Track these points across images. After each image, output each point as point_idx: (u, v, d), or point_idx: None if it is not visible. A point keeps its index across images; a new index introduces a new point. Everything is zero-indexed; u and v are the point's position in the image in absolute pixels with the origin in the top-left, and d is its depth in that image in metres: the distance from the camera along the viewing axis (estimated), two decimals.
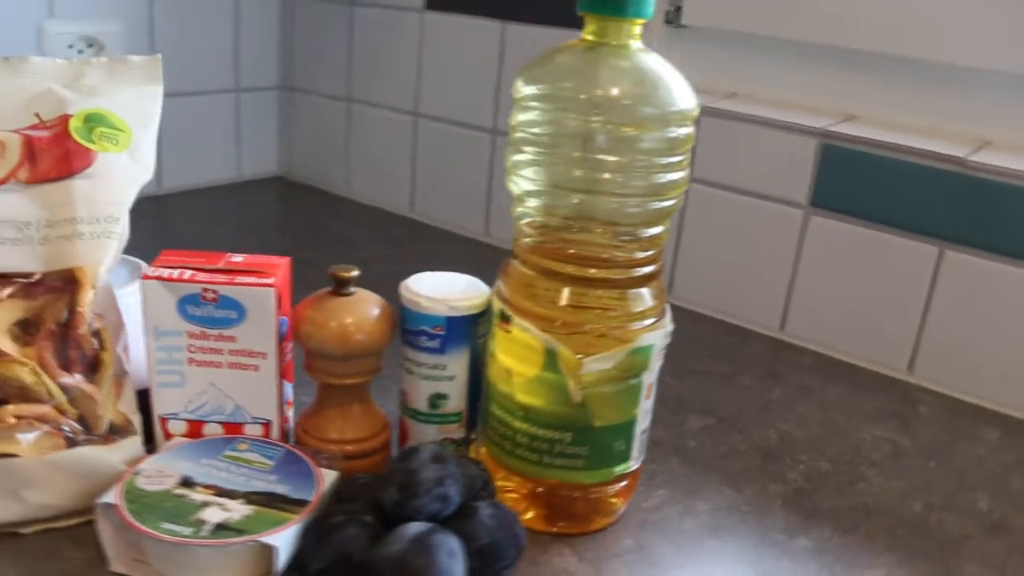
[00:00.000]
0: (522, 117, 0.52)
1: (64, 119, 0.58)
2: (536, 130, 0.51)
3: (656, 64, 0.51)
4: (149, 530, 0.49)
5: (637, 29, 0.51)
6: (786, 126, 0.82)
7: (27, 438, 0.52)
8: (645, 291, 0.54)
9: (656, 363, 0.55)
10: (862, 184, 0.80)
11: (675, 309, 0.90)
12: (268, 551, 0.50)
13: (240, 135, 1.20)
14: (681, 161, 0.52)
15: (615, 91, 0.50)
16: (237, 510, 0.51)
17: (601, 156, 0.50)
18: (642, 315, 0.54)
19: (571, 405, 0.53)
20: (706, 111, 0.85)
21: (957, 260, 0.77)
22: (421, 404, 0.59)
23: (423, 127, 1.10)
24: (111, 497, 0.51)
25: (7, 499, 0.52)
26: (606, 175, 0.50)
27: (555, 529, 0.57)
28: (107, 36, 1.02)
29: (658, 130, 0.50)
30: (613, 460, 0.56)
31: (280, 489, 0.53)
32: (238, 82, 1.17)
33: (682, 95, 0.51)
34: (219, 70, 1.15)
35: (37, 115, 0.58)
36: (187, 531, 0.49)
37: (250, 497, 0.52)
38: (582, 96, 0.50)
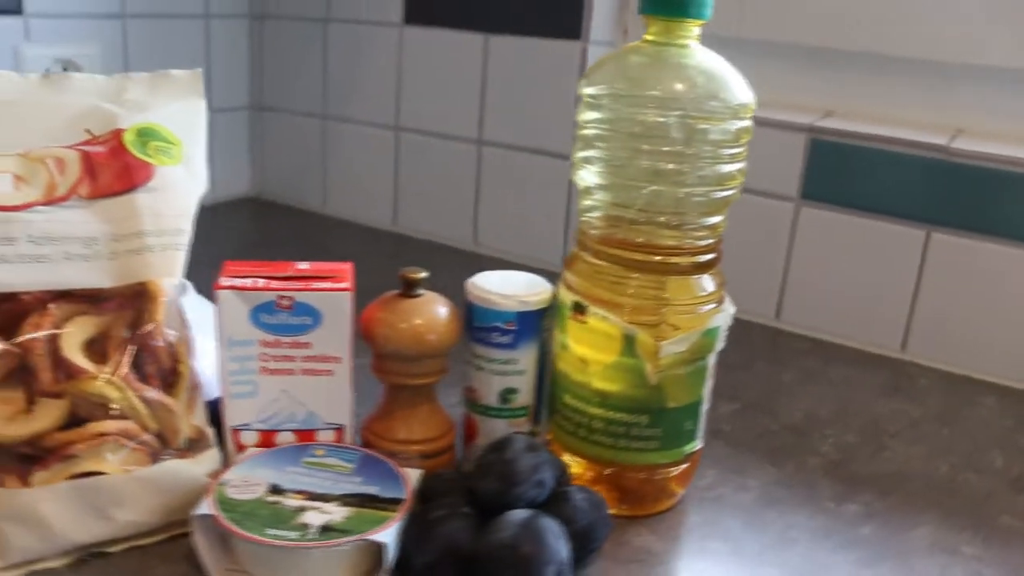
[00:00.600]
0: (592, 115, 0.54)
1: (117, 133, 0.57)
2: (607, 125, 0.54)
3: (717, 62, 0.55)
4: (258, 537, 0.49)
5: (696, 30, 0.54)
6: (776, 123, 0.87)
7: (115, 455, 0.52)
8: (707, 277, 0.57)
9: (720, 344, 0.58)
10: (850, 175, 0.85)
11: None
12: (372, 550, 0.50)
13: (211, 156, 1.18)
14: (741, 152, 0.56)
15: (688, 86, 0.53)
16: (336, 512, 0.51)
17: (672, 148, 0.53)
18: (707, 299, 0.57)
19: (648, 388, 0.56)
20: None
21: (943, 242, 0.82)
22: (492, 399, 0.60)
23: (405, 140, 1.11)
24: (206, 508, 0.51)
25: (94, 518, 0.51)
26: (675, 166, 0.53)
27: (623, 511, 0.59)
28: (83, 59, 0.99)
29: (724, 122, 0.54)
30: (683, 440, 0.58)
31: (370, 490, 0.53)
32: (209, 103, 1.15)
33: (742, 90, 0.54)
34: None
35: (88, 131, 0.58)
36: (294, 535, 0.49)
37: (343, 499, 0.52)
38: (657, 91, 0.52)
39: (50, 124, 0.58)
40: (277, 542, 0.48)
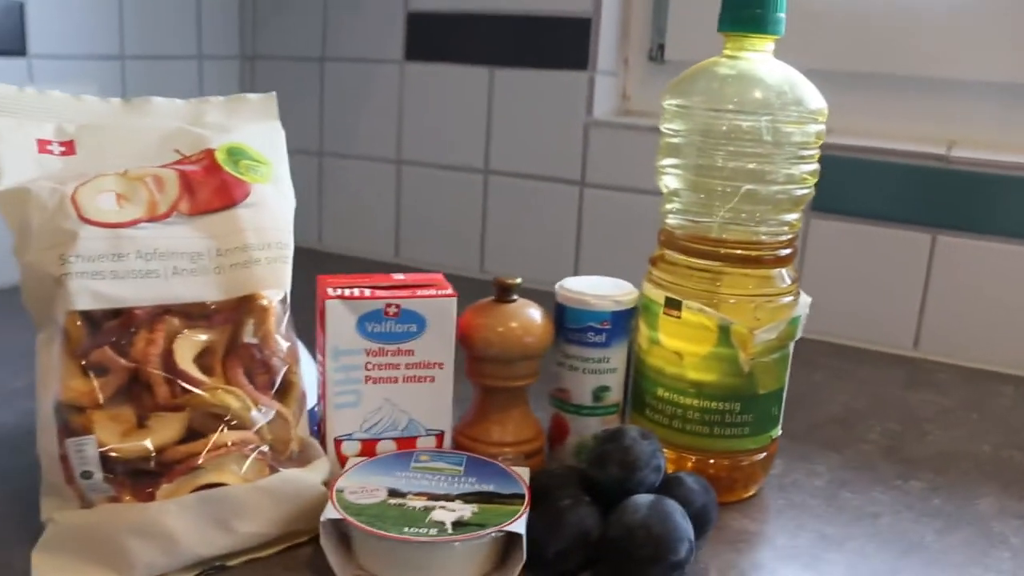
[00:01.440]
0: (680, 124, 0.58)
1: (208, 153, 0.58)
2: (696, 133, 0.57)
3: (792, 71, 0.59)
4: (399, 535, 0.49)
5: (770, 45, 0.58)
6: None
7: (239, 466, 0.51)
8: (786, 271, 0.60)
9: (799, 332, 0.61)
10: (855, 187, 0.90)
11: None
12: (502, 543, 0.51)
13: None
14: (816, 153, 0.59)
15: (773, 94, 0.56)
16: (463, 509, 0.52)
17: (763, 150, 0.56)
18: (787, 291, 0.60)
19: (741, 376, 0.58)
20: None
21: (948, 244, 0.88)
22: (585, 398, 0.62)
23: (407, 172, 1.12)
24: (334, 513, 0.51)
25: (217, 530, 0.51)
26: (765, 166, 0.57)
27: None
28: None
29: (805, 125, 0.57)
30: (770, 424, 0.61)
31: (487, 488, 0.54)
32: None
33: (816, 97, 0.58)
34: None
35: (177, 151, 0.58)
36: (433, 531, 0.49)
37: (465, 497, 0.53)
38: (747, 98, 0.56)
39: (140, 146, 0.58)
40: (420, 539, 0.49)
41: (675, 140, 0.59)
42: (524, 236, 1.07)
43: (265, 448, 0.53)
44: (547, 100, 1.02)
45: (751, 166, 0.56)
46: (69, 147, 0.56)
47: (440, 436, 0.60)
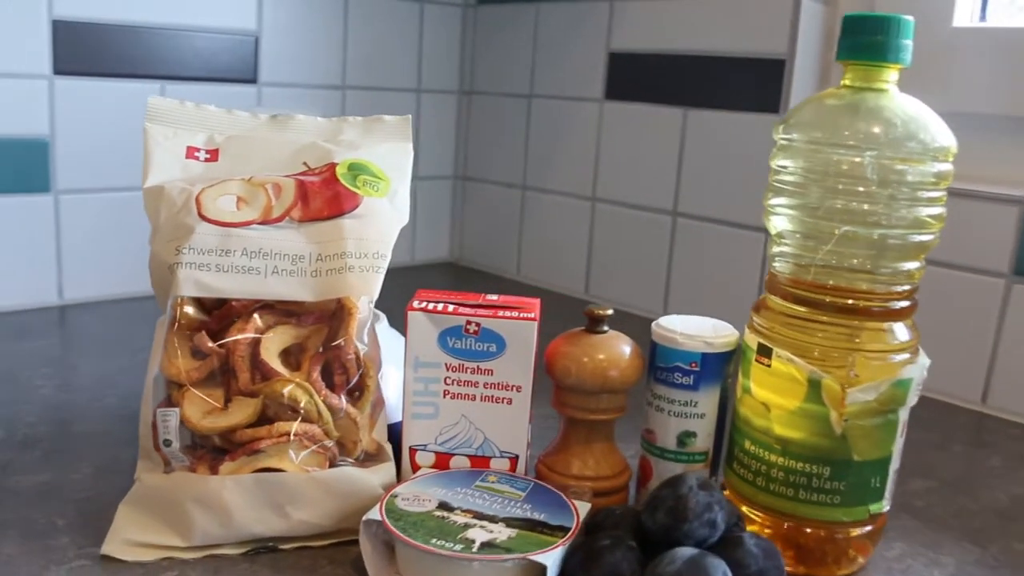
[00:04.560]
0: (786, 159, 0.54)
1: (331, 167, 0.62)
2: (801, 169, 0.53)
3: (916, 105, 0.53)
4: (421, 544, 0.49)
5: (893, 75, 0.53)
6: (984, 196, 0.83)
7: (299, 455, 0.55)
8: (901, 325, 0.54)
9: (913, 398, 0.55)
10: None
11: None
12: (534, 570, 0.50)
13: (415, 221, 1.26)
14: (941, 197, 0.53)
15: (884, 127, 0.52)
16: (501, 532, 0.51)
17: (866, 188, 0.51)
18: (900, 348, 0.54)
19: (832, 437, 0.53)
20: None
21: None
22: (669, 442, 0.59)
23: (600, 210, 1.13)
24: (375, 514, 0.52)
25: (273, 513, 0.54)
26: (869, 206, 0.52)
27: (800, 572, 0.56)
28: None
29: (923, 164, 0.52)
30: (869, 497, 0.55)
31: (538, 516, 0.53)
32: (416, 171, 1.24)
33: (942, 133, 0.53)
34: None
35: (305, 163, 0.63)
36: (458, 547, 0.50)
37: (509, 522, 0.52)
38: (851, 132, 0.52)
39: (275, 156, 0.63)
40: (439, 551, 0.49)
41: (779, 177, 0.55)
42: (708, 279, 1.04)
43: (329, 443, 0.56)
44: (738, 143, 0.99)
45: (855, 205, 0.52)
46: (214, 154, 0.63)
47: (514, 460, 0.59)
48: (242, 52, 1.04)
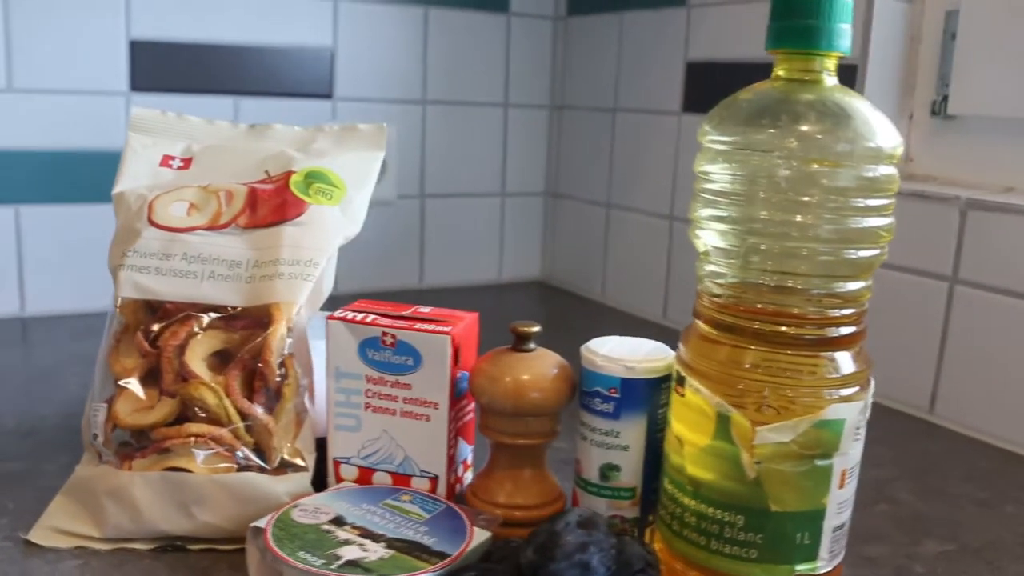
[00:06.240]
0: (708, 164, 0.49)
1: (287, 175, 0.62)
2: (722, 175, 0.47)
3: (852, 99, 0.46)
4: (284, 555, 0.48)
5: (831, 64, 0.47)
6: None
7: (201, 455, 0.55)
8: (842, 356, 0.47)
9: (851, 444, 0.47)
10: None
11: (934, 427, 0.79)
12: None
13: (503, 238, 1.24)
14: (881, 206, 0.46)
15: (803, 126, 0.45)
16: (375, 552, 0.49)
17: (787, 196, 0.45)
18: (838, 383, 0.47)
19: (744, 482, 0.47)
20: (977, 205, 0.75)
21: None
22: (592, 474, 0.54)
23: (678, 231, 1.07)
24: (263, 522, 0.52)
25: (178, 512, 0.54)
26: (795, 217, 0.45)
27: None
28: None
29: (852, 168, 0.45)
30: (794, 556, 0.48)
31: (426, 540, 0.51)
32: (503, 188, 1.22)
33: (881, 132, 0.45)
34: (485, 175, 1.21)
35: (267, 171, 0.64)
36: (318, 562, 0.48)
37: (392, 543, 0.50)
38: (768, 133, 0.45)
39: (243, 165, 0.65)
40: (298, 564, 0.48)
41: (700, 185, 0.49)
42: None
43: (242, 449, 0.55)
44: None
45: (770, 216, 0.45)
46: (187, 163, 0.65)
47: (434, 480, 0.57)
48: (317, 67, 1.07)
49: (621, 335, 0.57)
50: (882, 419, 0.82)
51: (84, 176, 0.99)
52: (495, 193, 1.22)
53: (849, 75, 0.85)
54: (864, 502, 0.65)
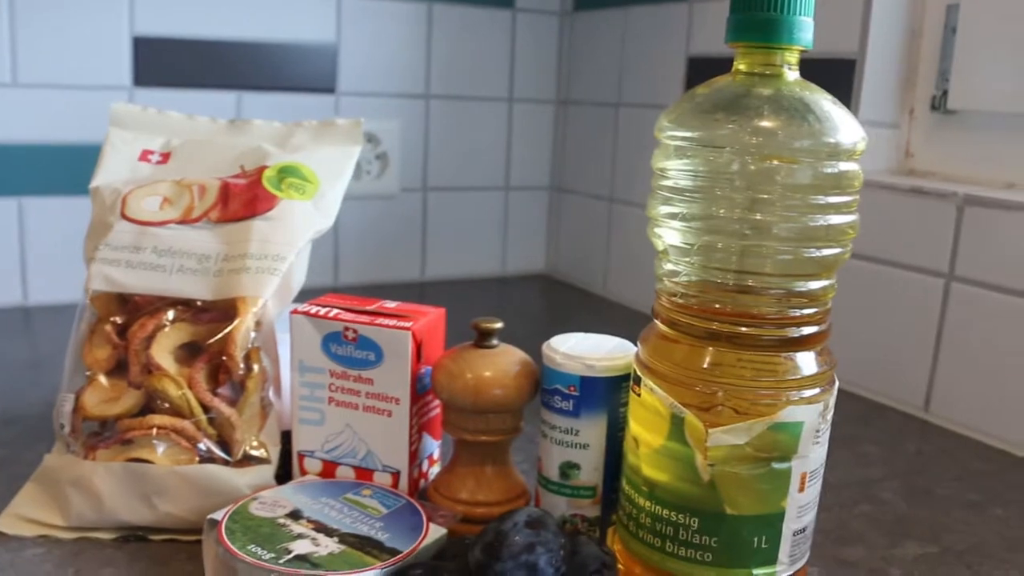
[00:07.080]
0: (664, 159, 0.47)
1: (261, 169, 0.62)
2: (680, 172, 0.46)
3: (813, 94, 0.45)
4: (233, 548, 0.48)
5: (792, 57, 0.46)
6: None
7: (161, 447, 0.55)
8: (803, 356, 0.46)
9: (811, 447, 0.46)
10: None
11: (928, 426, 0.77)
12: None
13: (507, 232, 1.24)
14: (842, 203, 0.45)
15: (760, 121, 0.44)
16: (326, 547, 0.49)
17: (745, 193, 0.44)
18: (797, 384, 0.45)
19: (699, 484, 0.46)
20: (974, 201, 0.73)
21: None
22: (552, 472, 0.54)
23: None
24: (219, 515, 0.52)
25: (140, 502, 0.54)
26: (754, 215, 0.44)
27: None
28: (384, 133, 1.11)
29: (810, 164, 0.44)
30: (751, 560, 0.46)
31: (380, 536, 0.50)
32: (508, 182, 1.22)
33: (843, 127, 0.44)
34: (489, 169, 1.21)
35: (242, 166, 0.64)
36: (267, 556, 0.48)
37: (345, 538, 0.50)
38: (726, 128, 0.44)
39: (220, 159, 0.65)
40: (247, 557, 0.47)
41: (658, 181, 0.48)
42: None
43: (205, 441, 0.55)
44: None
45: (728, 213, 0.44)
46: (165, 158, 0.65)
47: (396, 476, 0.56)
48: (320, 62, 1.07)
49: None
50: (875, 417, 0.80)
51: (86, 169, 0.99)
52: (499, 187, 1.22)
53: (848, 70, 0.83)
54: (845, 503, 0.63)
